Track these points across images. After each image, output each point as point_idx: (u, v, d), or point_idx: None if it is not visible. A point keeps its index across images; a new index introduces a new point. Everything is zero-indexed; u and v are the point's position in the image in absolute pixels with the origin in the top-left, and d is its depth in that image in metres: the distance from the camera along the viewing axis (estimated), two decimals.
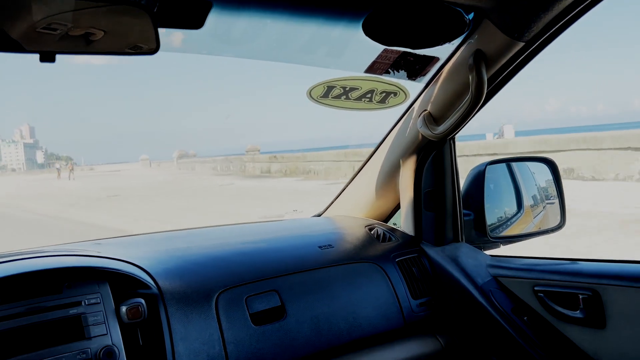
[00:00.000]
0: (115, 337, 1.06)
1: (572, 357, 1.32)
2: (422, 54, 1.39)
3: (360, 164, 1.88)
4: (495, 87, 1.41)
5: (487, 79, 1.30)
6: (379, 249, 1.56)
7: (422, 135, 1.53)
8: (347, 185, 1.95)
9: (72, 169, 47.59)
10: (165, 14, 1.05)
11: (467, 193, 1.68)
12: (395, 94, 1.51)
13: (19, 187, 32.67)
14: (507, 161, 1.88)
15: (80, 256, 1.21)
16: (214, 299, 1.20)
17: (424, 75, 1.49)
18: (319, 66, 1.46)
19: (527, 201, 1.85)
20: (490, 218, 1.70)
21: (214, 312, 1.18)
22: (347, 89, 1.47)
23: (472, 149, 14.26)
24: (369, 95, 1.49)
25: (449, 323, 1.52)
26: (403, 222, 1.70)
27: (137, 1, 0.97)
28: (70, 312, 1.04)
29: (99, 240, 1.46)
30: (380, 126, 1.73)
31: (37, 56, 0.95)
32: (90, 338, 1.03)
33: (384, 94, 1.50)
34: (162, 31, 0.99)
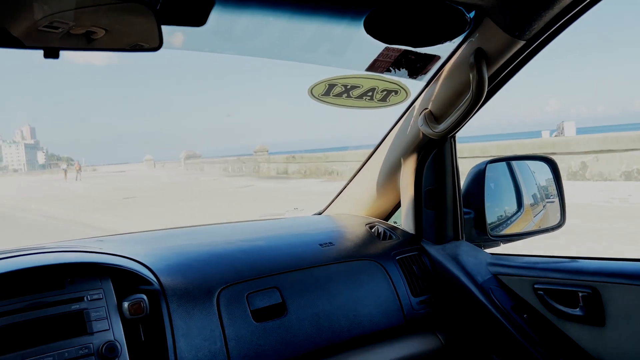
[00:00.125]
0: (118, 332, 1.06)
1: (572, 354, 1.32)
2: (423, 52, 1.39)
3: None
4: (496, 85, 1.41)
5: (488, 78, 1.31)
6: (379, 247, 1.57)
7: (423, 133, 1.54)
8: (348, 184, 1.96)
9: (80, 169, 44.65)
10: (168, 11, 1.06)
11: (467, 191, 1.69)
12: (396, 92, 1.52)
13: (26, 188, 30.88)
14: (508, 160, 1.88)
15: (83, 252, 1.22)
16: (215, 295, 1.21)
17: (425, 73, 1.50)
18: (320, 64, 1.47)
19: (527, 200, 1.86)
20: (491, 216, 1.71)
21: (215, 308, 1.19)
22: (348, 87, 1.47)
23: (526, 147, 13.47)
24: (370, 94, 1.50)
25: (449, 321, 1.52)
26: (403, 220, 1.71)
27: None
28: (73, 307, 1.05)
29: (101, 237, 1.46)
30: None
31: (39, 53, 0.95)
32: (92, 333, 1.04)
33: (385, 92, 1.51)
34: (164, 28, 0.99)
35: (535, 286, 1.38)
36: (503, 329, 1.39)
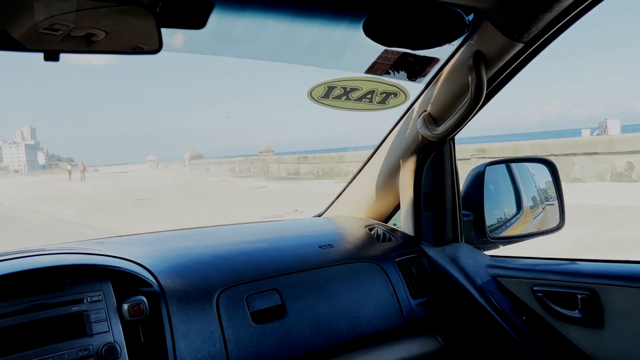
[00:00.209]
0: (117, 334, 1.07)
1: (571, 356, 1.32)
2: (422, 54, 1.40)
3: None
4: (495, 88, 1.42)
5: (487, 80, 1.31)
6: (379, 249, 1.57)
7: (422, 135, 1.54)
8: (347, 186, 1.96)
9: (84, 169, 42.56)
10: (168, 14, 1.06)
11: (466, 194, 1.69)
12: (395, 94, 1.52)
13: (30, 189, 29.29)
14: (507, 162, 1.89)
15: (83, 254, 1.22)
16: (215, 297, 1.21)
17: (424, 76, 1.50)
18: (320, 67, 1.47)
19: (526, 202, 1.86)
20: (490, 219, 1.71)
21: (215, 310, 1.19)
22: (347, 89, 1.48)
23: (566, 146, 12.48)
24: (369, 96, 1.50)
25: (448, 323, 1.53)
26: (403, 222, 1.71)
27: (140, 1, 0.98)
28: (73, 309, 1.05)
29: (101, 239, 1.47)
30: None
31: (39, 55, 0.96)
32: (92, 335, 1.04)
33: (384, 95, 1.51)
34: (164, 31, 1.00)
35: (534, 288, 1.38)
36: (502, 331, 1.40)
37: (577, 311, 1.30)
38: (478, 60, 1.29)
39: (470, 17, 1.23)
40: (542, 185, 1.88)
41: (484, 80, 1.29)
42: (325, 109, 1.51)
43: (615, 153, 12.19)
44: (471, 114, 1.37)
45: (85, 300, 1.07)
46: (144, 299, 1.11)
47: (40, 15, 0.92)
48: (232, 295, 1.23)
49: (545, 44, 1.28)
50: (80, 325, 1.04)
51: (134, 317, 1.09)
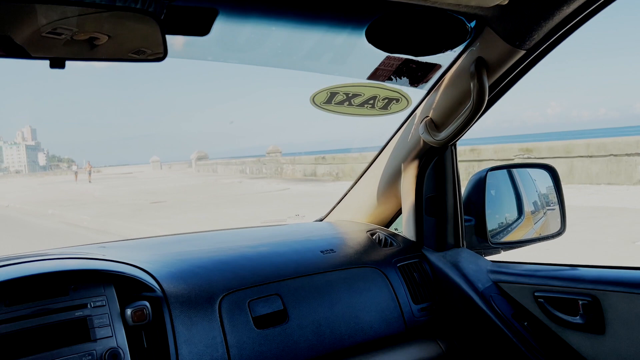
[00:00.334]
0: (120, 339, 1.07)
1: None
2: (424, 61, 1.40)
3: None
4: (497, 94, 1.42)
5: (489, 86, 1.32)
6: (380, 254, 1.57)
7: (424, 141, 1.54)
8: (349, 191, 1.97)
9: (91, 170, 41.12)
10: (173, 21, 1.07)
11: (468, 199, 1.69)
12: (397, 100, 1.53)
13: (35, 191, 27.69)
14: (508, 167, 1.89)
15: (86, 259, 1.22)
16: (217, 302, 1.21)
17: (426, 82, 1.51)
18: (322, 73, 1.48)
19: (527, 207, 1.86)
20: (491, 224, 1.71)
21: (217, 315, 1.20)
22: (350, 95, 1.48)
23: (630, 146, 11.82)
24: (371, 102, 1.51)
25: (449, 328, 1.53)
26: (404, 227, 1.71)
27: (145, 9, 0.99)
28: (76, 314, 1.05)
29: (104, 244, 1.47)
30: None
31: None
32: (95, 340, 1.04)
33: (387, 100, 1.52)
34: (168, 38, 1.01)
35: (536, 294, 1.39)
36: (503, 337, 1.40)
37: (578, 317, 1.30)
38: (480, 67, 1.30)
39: (473, 24, 1.24)
40: (543, 191, 1.88)
41: (485, 86, 1.30)
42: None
43: None
44: (473, 120, 1.38)
45: (88, 305, 1.07)
46: (147, 304, 1.12)
47: (44, 21, 0.93)
48: (235, 300, 1.24)
49: (547, 51, 1.29)
50: (83, 331, 1.04)
51: (137, 322, 1.09)
